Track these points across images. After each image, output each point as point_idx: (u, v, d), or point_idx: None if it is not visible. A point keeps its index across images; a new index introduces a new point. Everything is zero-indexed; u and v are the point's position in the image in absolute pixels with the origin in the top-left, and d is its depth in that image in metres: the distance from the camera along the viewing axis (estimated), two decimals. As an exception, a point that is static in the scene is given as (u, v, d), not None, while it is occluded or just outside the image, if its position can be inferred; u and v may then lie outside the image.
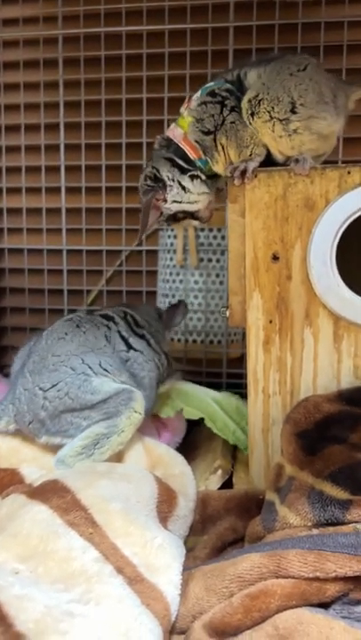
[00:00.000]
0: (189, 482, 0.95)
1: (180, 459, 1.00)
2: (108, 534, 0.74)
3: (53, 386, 0.98)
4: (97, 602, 0.61)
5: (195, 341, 1.47)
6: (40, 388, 0.99)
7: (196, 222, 0.99)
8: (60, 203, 1.55)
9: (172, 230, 1.44)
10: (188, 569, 0.76)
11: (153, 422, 1.13)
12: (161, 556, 0.72)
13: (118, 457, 0.99)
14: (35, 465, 0.99)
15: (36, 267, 1.60)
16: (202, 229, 1.42)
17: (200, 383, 1.47)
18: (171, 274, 1.47)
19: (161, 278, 1.50)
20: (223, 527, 0.92)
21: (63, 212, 1.56)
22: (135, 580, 0.67)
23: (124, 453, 0.99)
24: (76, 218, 1.56)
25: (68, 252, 1.58)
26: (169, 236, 1.46)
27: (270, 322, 0.94)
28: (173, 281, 1.46)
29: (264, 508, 0.86)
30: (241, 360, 1.47)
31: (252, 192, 0.91)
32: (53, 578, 0.65)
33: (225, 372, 1.48)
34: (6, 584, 0.61)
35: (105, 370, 1.00)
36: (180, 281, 1.45)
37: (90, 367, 0.99)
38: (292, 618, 0.63)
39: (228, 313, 0.97)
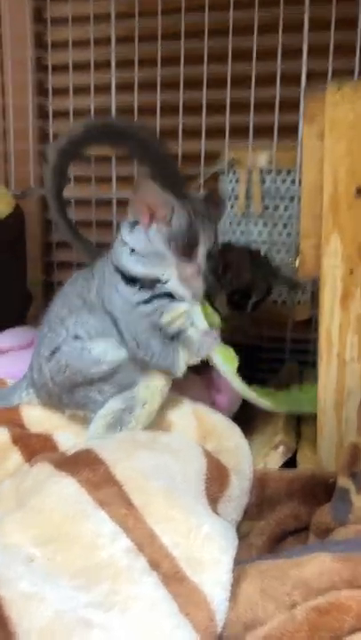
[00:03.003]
0: (245, 457, 0.81)
1: (236, 430, 0.86)
2: (146, 518, 0.61)
3: (52, 354, 0.85)
4: (123, 608, 0.48)
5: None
6: (44, 358, 0.87)
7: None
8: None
9: (234, 174, 1.27)
10: (241, 563, 0.63)
11: (206, 385, 0.99)
12: (208, 549, 0.59)
13: (164, 424, 0.86)
14: (70, 432, 0.88)
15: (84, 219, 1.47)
16: (268, 172, 1.24)
17: (260, 349, 1.33)
18: (231, 224, 1.30)
19: (221, 229, 1.34)
20: (284, 513, 0.78)
21: (113, 160, 1.42)
22: (173, 577, 0.54)
23: (171, 421, 0.86)
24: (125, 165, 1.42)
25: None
26: (230, 181, 1.29)
27: (351, 272, 0.77)
28: (233, 232, 1.30)
29: (336, 495, 0.71)
30: (309, 324, 1.30)
31: (334, 109, 0.74)
32: (74, 570, 0.53)
33: (289, 337, 1.31)
34: (14, 576, 0.50)
35: (100, 331, 0.84)
36: (242, 232, 1.29)
37: (83, 329, 0.85)
38: (373, 644, 0.48)
39: (297, 262, 0.81)
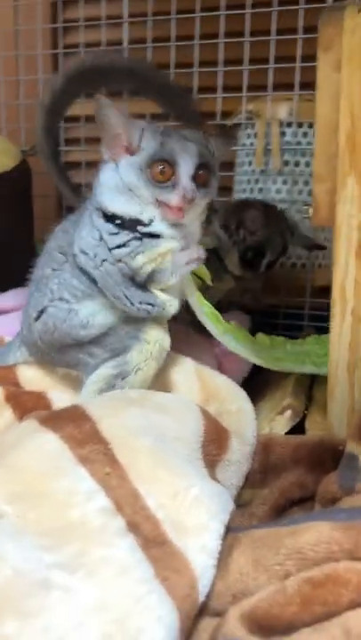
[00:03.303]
0: (248, 421, 0.76)
1: (240, 393, 0.80)
2: (130, 477, 0.56)
3: (39, 315, 0.81)
4: (90, 570, 0.43)
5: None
6: (32, 318, 0.82)
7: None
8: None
9: (252, 127, 1.20)
10: (236, 530, 0.58)
11: (213, 347, 0.93)
12: (195, 512, 0.54)
13: (165, 384, 0.81)
14: (65, 390, 0.83)
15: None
16: (288, 124, 1.16)
17: (277, 315, 1.26)
18: (249, 181, 1.23)
19: (237, 188, 1.26)
20: (288, 481, 0.72)
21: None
22: (154, 541, 0.49)
23: (173, 381, 0.80)
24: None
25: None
26: (248, 135, 1.22)
27: (368, 219, 0.70)
28: (251, 190, 1.23)
29: (343, 462, 0.65)
30: (329, 290, 1.23)
31: (352, 36, 0.66)
32: (44, 529, 0.48)
33: (308, 303, 1.24)
34: (-23, 533, 0.45)
35: (87, 293, 0.79)
36: (260, 190, 1.22)
37: (67, 291, 0.79)
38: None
39: (311, 210, 0.74)
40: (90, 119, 1.33)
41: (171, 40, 1.20)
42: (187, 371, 0.83)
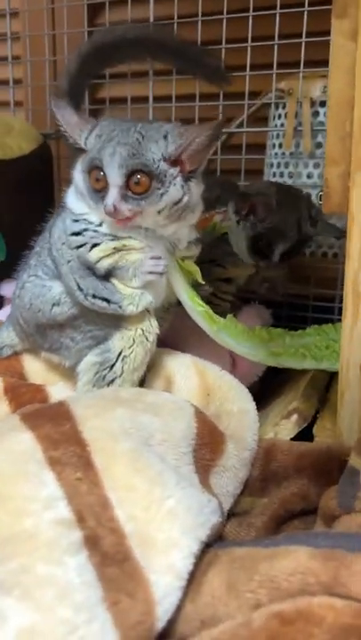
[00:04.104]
0: (249, 424, 0.70)
1: (243, 393, 0.75)
2: (103, 483, 0.53)
3: (20, 290, 0.80)
4: (26, 590, 0.39)
5: (303, 254, 1.16)
6: (16, 295, 0.82)
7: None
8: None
9: (283, 107, 1.12)
10: (218, 546, 0.53)
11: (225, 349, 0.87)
12: (167, 526, 0.49)
13: (163, 382, 0.77)
14: (66, 385, 0.81)
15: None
16: (322, 104, 1.08)
17: (305, 307, 1.18)
18: (278, 165, 1.16)
19: (266, 172, 1.19)
20: (290, 491, 0.67)
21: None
22: (113, 558, 0.45)
23: (169, 376, 0.76)
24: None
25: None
26: (278, 116, 1.14)
27: (386, 207, 0.63)
28: (281, 174, 1.15)
29: (344, 476, 0.59)
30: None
31: (373, -1, 0.58)
32: (-6, 538, 0.45)
33: (338, 295, 1.16)
34: None
35: (53, 271, 0.78)
36: (290, 175, 1.14)
37: (41, 270, 0.79)
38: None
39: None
40: (114, 100, 1.30)
41: (198, 16, 1.13)
42: (184, 364, 0.79)
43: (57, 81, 0.95)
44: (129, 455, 0.56)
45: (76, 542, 0.45)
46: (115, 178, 0.67)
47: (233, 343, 0.77)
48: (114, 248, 0.71)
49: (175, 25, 1.14)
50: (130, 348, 0.73)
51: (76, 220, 0.73)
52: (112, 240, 0.71)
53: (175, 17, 1.14)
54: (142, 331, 0.73)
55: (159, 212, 0.69)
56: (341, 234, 0.99)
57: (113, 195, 0.67)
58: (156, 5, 1.18)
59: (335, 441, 0.71)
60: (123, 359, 0.73)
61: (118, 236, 0.72)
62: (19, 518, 0.46)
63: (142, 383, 0.78)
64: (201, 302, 0.76)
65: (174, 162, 0.69)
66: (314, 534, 0.53)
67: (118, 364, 0.73)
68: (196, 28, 1.12)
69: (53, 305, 0.75)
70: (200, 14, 1.12)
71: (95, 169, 0.68)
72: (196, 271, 0.76)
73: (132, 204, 0.67)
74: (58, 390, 0.79)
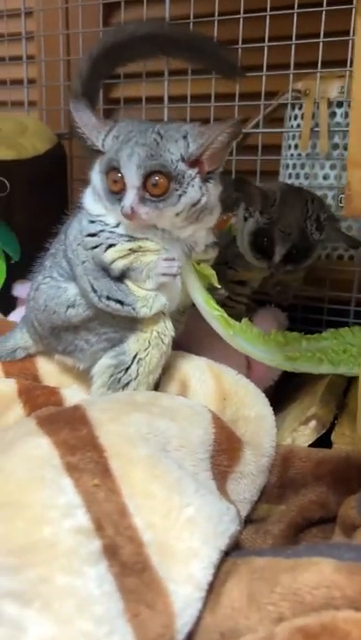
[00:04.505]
0: (267, 429, 0.69)
1: (260, 398, 0.74)
2: (121, 490, 0.52)
3: (35, 292, 0.80)
4: (46, 602, 0.39)
5: (318, 257, 1.14)
6: (30, 296, 0.81)
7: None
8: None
9: (300, 108, 1.11)
10: (237, 555, 0.52)
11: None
12: (187, 535, 0.49)
13: (178, 386, 0.76)
14: (80, 387, 0.80)
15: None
16: (339, 104, 1.07)
17: (321, 310, 1.17)
18: (294, 166, 1.15)
19: (282, 173, 1.18)
20: (308, 499, 0.66)
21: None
22: (132, 568, 0.44)
23: (185, 380, 0.75)
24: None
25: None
26: (294, 117, 1.13)
27: None
28: (297, 175, 1.14)
29: (365, 484, 0.58)
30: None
31: None
32: (11, 546, 0.44)
33: (354, 298, 1.14)
34: None
35: (69, 273, 0.77)
36: (306, 176, 1.13)
37: (57, 271, 0.78)
38: None
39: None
40: (128, 100, 1.29)
41: (214, 15, 1.12)
42: (199, 368, 0.78)
43: (70, 84, 0.94)
44: (146, 461, 0.55)
45: (96, 552, 0.44)
46: (132, 179, 0.66)
47: (249, 347, 0.76)
48: (129, 249, 0.71)
49: (191, 24, 1.13)
50: (145, 350, 0.72)
51: (93, 222, 0.73)
52: (128, 241, 0.71)
53: (191, 16, 1.13)
54: (158, 333, 0.73)
55: (177, 215, 0.68)
56: (355, 243, 0.97)
57: (130, 197, 0.66)
58: (173, 4, 1.17)
59: (354, 448, 0.70)
60: (138, 362, 0.72)
61: (135, 237, 0.71)
62: (38, 526, 0.45)
63: (157, 386, 0.77)
64: (216, 306, 0.75)
65: (193, 163, 0.68)
66: (337, 546, 0.51)
67: (133, 367, 0.72)
68: (213, 27, 1.11)
69: (68, 307, 0.75)
70: (217, 13, 1.11)
71: (113, 170, 0.68)
72: (212, 275, 0.75)
73: (150, 206, 0.67)
74: (72, 393, 0.79)
